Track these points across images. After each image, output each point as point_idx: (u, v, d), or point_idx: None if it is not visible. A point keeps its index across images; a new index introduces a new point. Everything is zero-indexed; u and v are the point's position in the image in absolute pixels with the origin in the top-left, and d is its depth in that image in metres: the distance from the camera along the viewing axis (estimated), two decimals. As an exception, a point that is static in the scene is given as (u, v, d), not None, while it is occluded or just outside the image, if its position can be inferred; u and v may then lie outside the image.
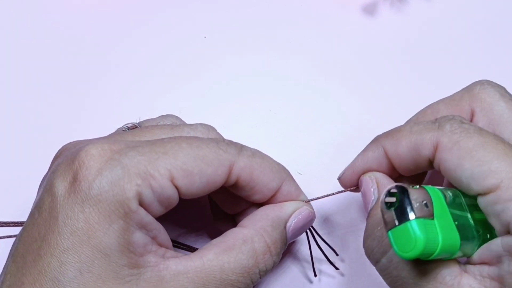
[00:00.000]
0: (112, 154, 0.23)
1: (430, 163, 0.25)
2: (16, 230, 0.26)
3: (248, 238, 0.26)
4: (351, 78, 0.40)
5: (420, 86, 0.39)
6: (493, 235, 0.24)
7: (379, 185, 0.27)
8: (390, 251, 0.25)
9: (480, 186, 0.23)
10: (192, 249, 0.31)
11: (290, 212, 0.28)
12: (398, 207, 0.22)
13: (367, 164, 0.28)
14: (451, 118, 0.25)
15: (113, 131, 0.29)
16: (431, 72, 0.40)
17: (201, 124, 0.28)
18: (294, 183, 0.29)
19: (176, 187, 0.24)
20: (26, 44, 0.41)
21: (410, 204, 0.22)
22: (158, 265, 0.23)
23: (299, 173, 0.35)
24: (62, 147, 0.27)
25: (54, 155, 0.27)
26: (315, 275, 0.31)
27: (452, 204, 0.24)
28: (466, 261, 0.25)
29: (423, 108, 0.29)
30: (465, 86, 0.29)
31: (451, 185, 0.26)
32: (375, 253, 0.25)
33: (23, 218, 0.26)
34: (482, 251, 0.24)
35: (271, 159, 0.28)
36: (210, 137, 0.28)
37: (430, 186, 0.24)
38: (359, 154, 0.28)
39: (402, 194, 0.22)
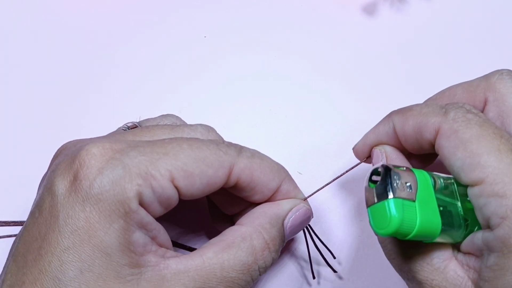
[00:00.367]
0: (113, 153, 0.23)
1: (433, 146, 0.26)
2: (17, 229, 0.26)
3: (246, 236, 0.26)
4: (351, 78, 0.40)
5: (420, 86, 0.39)
6: (480, 228, 0.24)
7: (388, 159, 0.28)
8: None
9: (467, 178, 0.23)
10: (191, 250, 0.31)
11: (287, 210, 0.28)
12: (379, 185, 0.23)
13: (378, 137, 0.29)
14: (459, 106, 0.25)
15: (113, 130, 0.29)
16: (431, 72, 0.40)
17: (201, 125, 0.29)
18: (292, 182, 0.29)
19: (176, 187, 0.24)
20: (27, 44, 0.41)
21: (391, 183, 0.23)
22: (159, 264, 0.23)
23: (299, 173, 0.35)
24: (62, 146, 0.27)
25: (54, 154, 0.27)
26: (314, 277, 0.31)
27: (442, 190, 0.25)
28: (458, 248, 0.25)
29: (443, 90, 0.29)
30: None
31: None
32: None
33: (23, 217, 0.26)
34: (467, 242, 0.24)
35: (270, 159, 0.28)
36: (210, 138, 0.28)
37: (420, 170, 0.25)
38: (373, 127, 0.29)
39: (385, 174, 0.23)
